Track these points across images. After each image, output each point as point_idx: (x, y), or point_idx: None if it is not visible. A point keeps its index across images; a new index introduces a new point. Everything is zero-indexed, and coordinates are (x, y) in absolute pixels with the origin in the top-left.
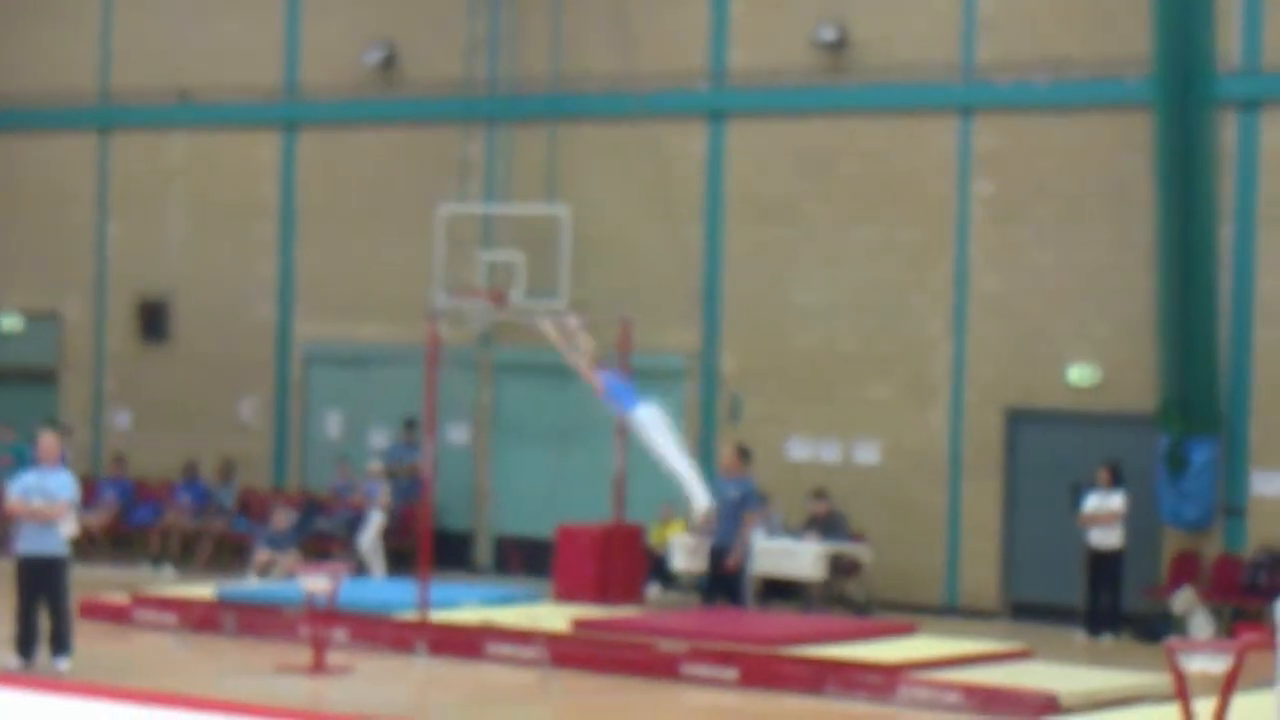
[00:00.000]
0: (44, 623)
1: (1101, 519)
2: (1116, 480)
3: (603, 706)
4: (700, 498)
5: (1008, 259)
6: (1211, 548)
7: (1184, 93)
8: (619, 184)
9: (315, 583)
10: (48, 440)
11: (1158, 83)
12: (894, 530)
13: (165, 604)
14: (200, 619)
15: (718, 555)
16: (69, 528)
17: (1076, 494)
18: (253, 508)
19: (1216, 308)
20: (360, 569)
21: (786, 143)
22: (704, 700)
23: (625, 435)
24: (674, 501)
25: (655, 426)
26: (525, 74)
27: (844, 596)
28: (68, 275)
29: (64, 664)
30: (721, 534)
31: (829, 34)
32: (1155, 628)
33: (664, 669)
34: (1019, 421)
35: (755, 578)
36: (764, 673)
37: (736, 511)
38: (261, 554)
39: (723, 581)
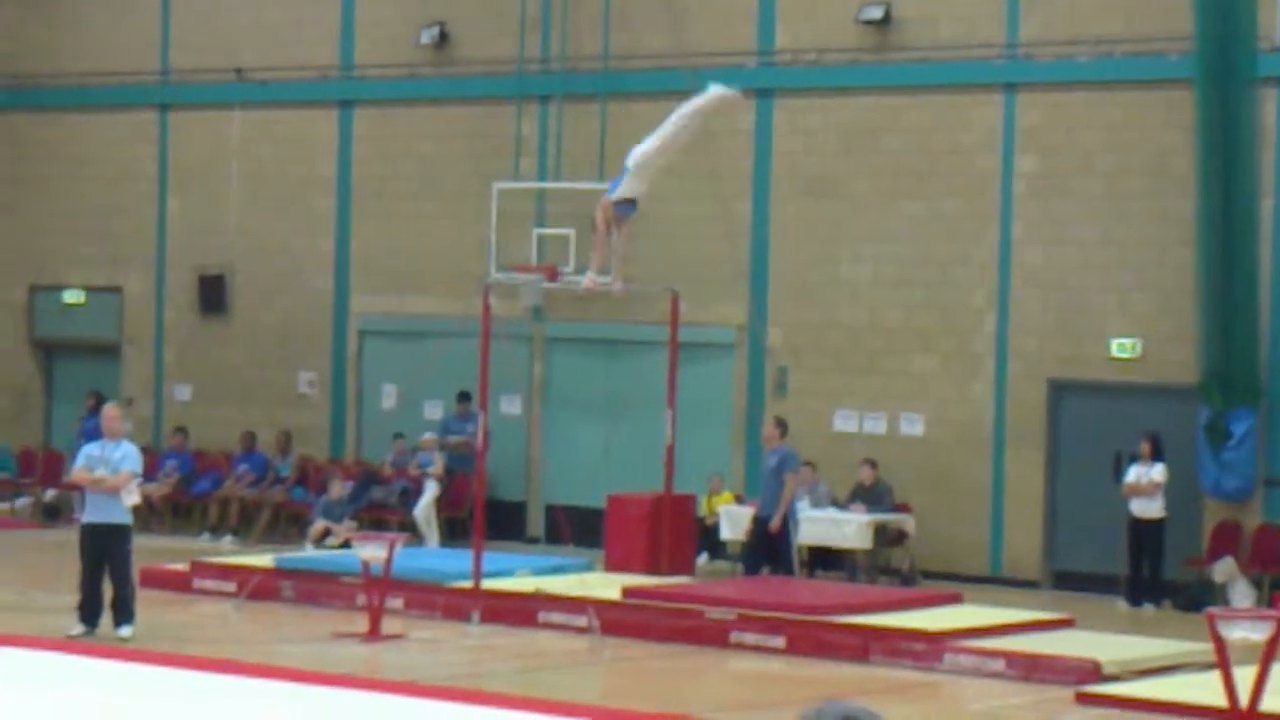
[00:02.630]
0: (107, 591)
1: (1143, 489)
2: (1157, 451)
3: (652, 673)
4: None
5: (1051, 233)
6: (1252, 518)
7: (1225, 69)
8: (668, 160)
9: (371, 552)
10: (111, 413)
11: (1199, 59)
12: (938, 501)
13: (224, 572)
14: (258, 587)
15: (760, 523)
16: (131, 498)
17: (1118, 465)
18: (310, 478)
19: (1257, 281)
20: (415, 538)
21: (833, 119)
22: (752, 667)
23: (675, 406)
24: (723, 472)
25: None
26: (577, 52)
27: (889, 566)
28: (129, 250)
29: (126, 631)
30: (762, 504)
31: (874, 12)
32: (1196, 597)
33: (713, 636)
34: (1062, 393)
35: (801, 547)
36: (811, 640)
37: (776, 478)
38: (317, 524)
39: (768, 549)
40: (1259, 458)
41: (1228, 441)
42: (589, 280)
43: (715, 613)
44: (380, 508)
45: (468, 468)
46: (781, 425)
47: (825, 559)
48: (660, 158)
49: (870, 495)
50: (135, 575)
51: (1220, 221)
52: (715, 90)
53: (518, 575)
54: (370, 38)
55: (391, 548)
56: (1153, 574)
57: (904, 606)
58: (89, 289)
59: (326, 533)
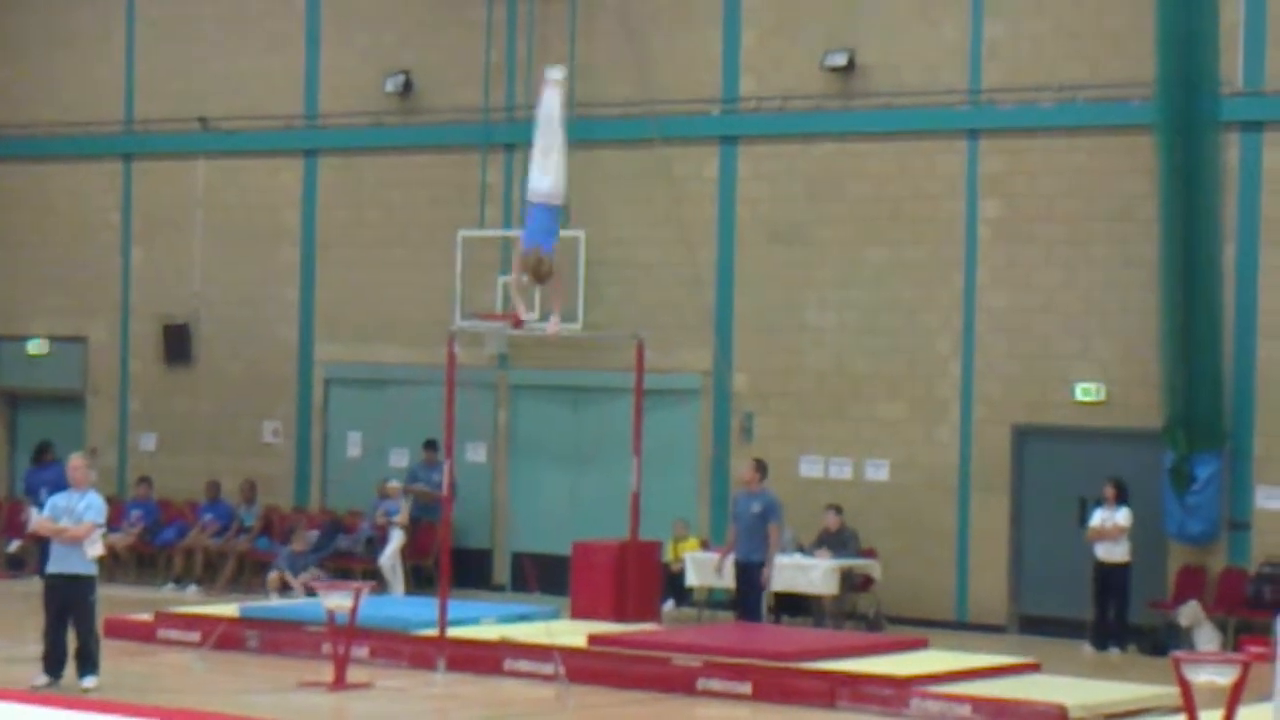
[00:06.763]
0: (71, 641)
1: (1108, 534)
2: (1122, 496)
3: None
4: None
5: (1015, 278)
6: (1216, 562)
7: (1187, 115)
8: (633, 207)
9: (336, 600)
10: (76, 463)
11: (1162, 105)
12: (904, 546)
13: (189, 622)
14: (223, 637)
15: (744, 570)
16: (95, 549)
17: (1083, 509)
18: (275, 527)
19: (1220, 325)
20: (381, 587)
21: (797, 166)
22: (718, 714)
23: (641, 453)
24: (689, 518)
25: None
26: None
27: (855, 611)
28: (93, 300)
29: (90, 682)
30: (745, 550)
31: (838, 59)
32: (1161, 641)
33: (679, 683)
34: (1027, 438)
35: (768, 593)
36: (777, 686)
37: (760, 526)
38: (274, 573)
39: (746, 596)
40: (1223, 501)
41: (1192, 485)
42: (553, 325)
43: (681, 659)
44: (346, 556)
45: (433, 516)
46: (762, 468)
47: (791, 605)
48: None
49: (836, 541)
50: (99, 626)
51: (1184, 266)
52: None
53: (483, 623)
54: (335, 86)
55: (357, 596)
56: (1118, 618)
57: (870, 652)
58: (53, 338)
59: (286, 584)
